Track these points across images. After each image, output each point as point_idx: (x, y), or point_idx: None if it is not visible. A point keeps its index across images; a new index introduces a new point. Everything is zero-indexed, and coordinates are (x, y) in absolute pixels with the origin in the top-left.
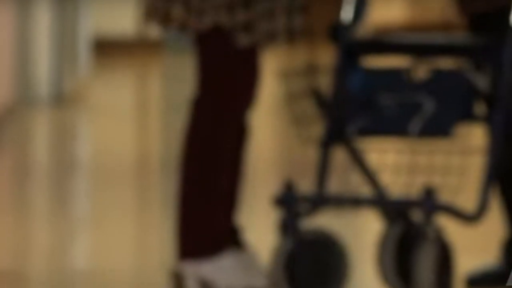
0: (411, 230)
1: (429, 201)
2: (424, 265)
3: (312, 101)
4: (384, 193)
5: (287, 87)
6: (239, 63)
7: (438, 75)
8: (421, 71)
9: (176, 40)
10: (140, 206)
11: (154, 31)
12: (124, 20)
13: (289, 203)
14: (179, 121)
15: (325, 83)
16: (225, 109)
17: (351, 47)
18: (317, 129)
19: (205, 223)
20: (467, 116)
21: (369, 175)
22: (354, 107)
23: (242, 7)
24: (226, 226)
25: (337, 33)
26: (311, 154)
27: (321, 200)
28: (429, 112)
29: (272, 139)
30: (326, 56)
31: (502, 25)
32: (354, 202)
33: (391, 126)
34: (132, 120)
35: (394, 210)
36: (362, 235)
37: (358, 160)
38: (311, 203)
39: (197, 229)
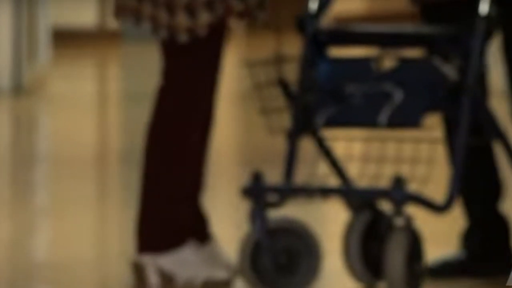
0: (378, 220)
1: (398, 191)
2: (395, 255)
3: (279, 91)
4: (352, 183)
5: (253, 77)
6: (201, 53)
7: (405, 65)
8: (388, 60)
9: (134, 30)
10: (100, 197)
11: (113, 22)
12: (83, 11)
13: (257, 193)
14: (139, 112)
15: (292, 73)
16: (189, 98)
17: (318, 37)
18: (285, 119)
19: (166, 215)
20: (436, 105)
21: (337, 166)
22: (321, 98)
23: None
24: (189, 219)
25: (304, 23)
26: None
27: (289, 191)
28: (397, 102)
29: (237, 129)
30: (293, 46)
31: (460, 15)
32: (322, 192)
33: (359, 116)
34: (92, 111)
35: (362, 200)
36: (329, 225)
37: (326, 151)
38: (279, 193)
39: (158, 221)
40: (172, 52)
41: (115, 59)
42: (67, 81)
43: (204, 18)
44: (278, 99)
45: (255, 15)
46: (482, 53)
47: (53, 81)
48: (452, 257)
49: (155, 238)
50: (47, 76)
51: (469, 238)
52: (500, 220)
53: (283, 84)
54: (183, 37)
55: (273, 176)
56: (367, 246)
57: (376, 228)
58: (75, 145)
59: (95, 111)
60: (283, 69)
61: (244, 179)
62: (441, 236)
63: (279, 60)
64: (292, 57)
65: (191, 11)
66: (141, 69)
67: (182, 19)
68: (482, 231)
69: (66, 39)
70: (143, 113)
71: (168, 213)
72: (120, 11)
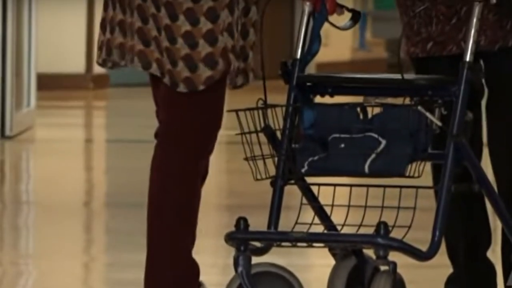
0: (363, 266)
1: (383, 238)
2: None
3: (265, 137)
4: (337, 230)
5: (240, 123)
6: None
7: (390, 112)
8: (373, 107)
9: (120, 74)
10: (85, 242)
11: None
12: (71, 55)
13: (241, 240)
14: (124, 157)
15: (277, 120)
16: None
17: (303, 84)
18: (271, 166)
19: (184, 266)
20: (421, 153)
21: (322, 213)
22: (305, 145)
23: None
24: (197, 267)
25: (288, 70)
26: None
27: (273, 238)
28: (382, 150)
29: (221, 175)
30: (278, 94)
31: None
32: (308, 240)
33: (343, 164)
34: (78, 156)
35: (347, 247)
36: (314, 270)
37: (311, 199)
38: (263, 240)
39: (178, 272)
40: (174, 101)
41: (101, 102)
42: (52, 125)
43: (204, 71)
44: (264, 146)
45: (249, 75)
46: (465, 102)
47: (39, 125)
48: None
49: (175, 284)
50: (33, 120)
51: (454, 284)
52: (486, 267)
53: (268, 131)
54: (182, 87)
55: (259, 222)
56: None
57: (360, 273)
58: (60, 191)
59: (81, 155)
60: (269, 116)
61: (229, 225)
62: (425, 283)
63: (264, 107)
64: (277, 104)
65: (190, 63)
66: (127, 113)
67: (181, 69)
68: (468, 278)
69: (52, 82)
70: (128, 158)
71: (185, 261)
72: (106, 61)
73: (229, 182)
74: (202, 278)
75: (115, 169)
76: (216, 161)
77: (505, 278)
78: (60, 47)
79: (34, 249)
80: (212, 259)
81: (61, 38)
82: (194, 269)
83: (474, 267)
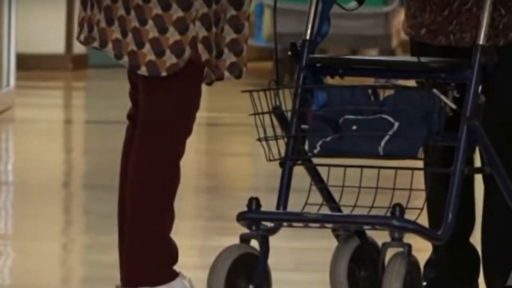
0: (366, 248)
1: (399, 219)
2: (393, 283)
3: (275, 119)
4: (349, 212)
5: (253, 103)
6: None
7: (403, 95)
8: (386, 89)
9: (100, 55)
10: (64, 222)
11: (79, 46)
12: (50, 35)
13: (253, 220)
14: (103, 138)
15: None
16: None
17: (313, 66)
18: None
19: (163, 247)
20: (434, 135)
21: (330, 195)
22: (316, 126)
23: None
24: (176, 248)
25: (299, 50)
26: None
27: (286, 219)
28: (395, 132)
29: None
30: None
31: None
32: (322, 220)
33: (355, 146)
34: (57, 136)
35: (358, 228)
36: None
37: (318, 180)
38: (276, 221)
39: (155, 254)
40: (151, 88)
41: (81, 83)
42: (32, 105)
43: (169, 58)
44: (274, 127)
45: (242, 69)
46: (478, 85)
47: (18, 105)
48: None
49: (153, 271)
50: (12, 100)
51: (427, 267)
52: (469, 253)
53: (278, 112)
54: (143, 70)
55: (238, 205)
56: (355, 273)
57: (363, 255)
58: (39, 171)
59: (60, 136)
60: (280, 97)
61: (207, 207)
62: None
63: (276, 87)
64: (288, 86)
65: (157, 48)
66: (106, 94)
67: (147, 51)
68: (448, 263)
69: (31, 62)
70: (107, 139)
71: (166, 244)
72: (88, 38)
73: (207, 164)
74: (180, 260)
75: (94, 150)
76: (193, 143)
77: (484, 265)
78: (39, 27)
79: (12, 230)
80: (190, 241)
81: (41, 18)
82: (173, 251)
83: (456, 252)
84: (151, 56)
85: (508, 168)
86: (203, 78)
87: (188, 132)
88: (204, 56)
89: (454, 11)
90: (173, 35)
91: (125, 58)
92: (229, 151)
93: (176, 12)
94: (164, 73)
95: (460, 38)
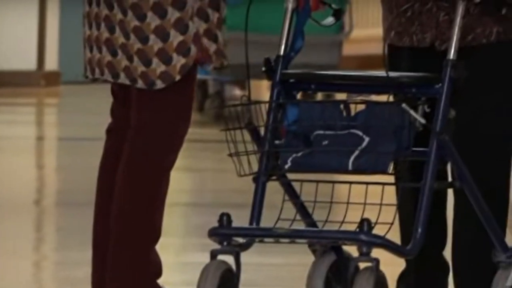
0: (343, 262)
1: (367, 235)
2: None
3: (248, 134)
4: (319, 228)
5: (224, 120)
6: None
7: (374, 109)
8: (356, 104)
9: (72, 72)
10: (36, 240)
11: (51, 62)
12: (22, 52)
13: (224, 236)
14: (75, 155)
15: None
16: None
17: (286, 81)
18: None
19: (145, 259)
20: (404, 150)
21: (303, 210)
22: (288, 141)
23: None
24: (160, 262)
25: (272, 67)
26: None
27: (256, 234)
28: (365, 147)
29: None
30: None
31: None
32: (291, 236)
33: (326, 161)
34: (29, 153)
35: (329, 244)
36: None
37: (292, 195)
38: (246, 236)
39: (137, 266)
40: (147, 101)
41: (53, 99)
42: (3, 123)
43: (178, 61)
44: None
45: (223, 57)
46: (448, 99)
47: None
48: None
49: (134, 283)
50: None
51: (403, 282)
52: (437, 267)
53: (251, 128)
54: (159, 84)
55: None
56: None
57: (340, 270)
58: (11, 189)
59: (33, 153)
60: (252, 113)
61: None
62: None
63: (248, 103)
64: (261, 101)
65: (164, 57)
66: (78, 110)
67: (156, 66)
68: (415, 277)
69: (4, 80)
70: (79, 156)
71: (145, 257)
72: (93, 68)
73: (187, 180)
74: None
75: (66, 167)
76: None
77: (454, 280)
78: (11, 43)
79: None
80: (172, 257)
81: (12, 34)
82: (156, 267)
83: (423, 266)
84: (161, 68)
85: (482, 180)
86: (193, 90)
87: (180, 146)
88: (211, 48)
89: (416, 11)
90: (175, 38)
91: (140, 82)
92: (197, 167)
93: (173, 15)
94: (178, 77)
95: (421, 39)
